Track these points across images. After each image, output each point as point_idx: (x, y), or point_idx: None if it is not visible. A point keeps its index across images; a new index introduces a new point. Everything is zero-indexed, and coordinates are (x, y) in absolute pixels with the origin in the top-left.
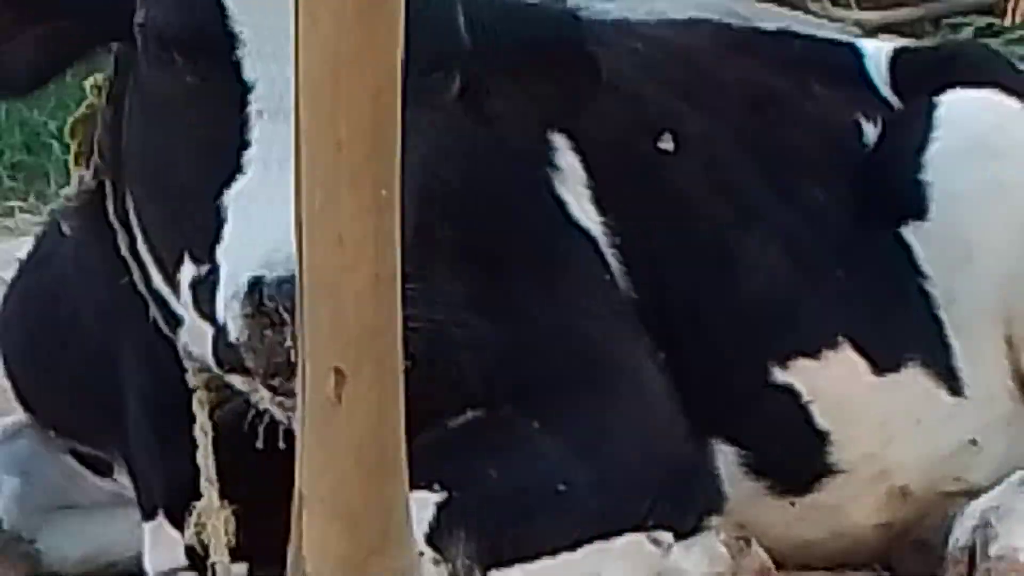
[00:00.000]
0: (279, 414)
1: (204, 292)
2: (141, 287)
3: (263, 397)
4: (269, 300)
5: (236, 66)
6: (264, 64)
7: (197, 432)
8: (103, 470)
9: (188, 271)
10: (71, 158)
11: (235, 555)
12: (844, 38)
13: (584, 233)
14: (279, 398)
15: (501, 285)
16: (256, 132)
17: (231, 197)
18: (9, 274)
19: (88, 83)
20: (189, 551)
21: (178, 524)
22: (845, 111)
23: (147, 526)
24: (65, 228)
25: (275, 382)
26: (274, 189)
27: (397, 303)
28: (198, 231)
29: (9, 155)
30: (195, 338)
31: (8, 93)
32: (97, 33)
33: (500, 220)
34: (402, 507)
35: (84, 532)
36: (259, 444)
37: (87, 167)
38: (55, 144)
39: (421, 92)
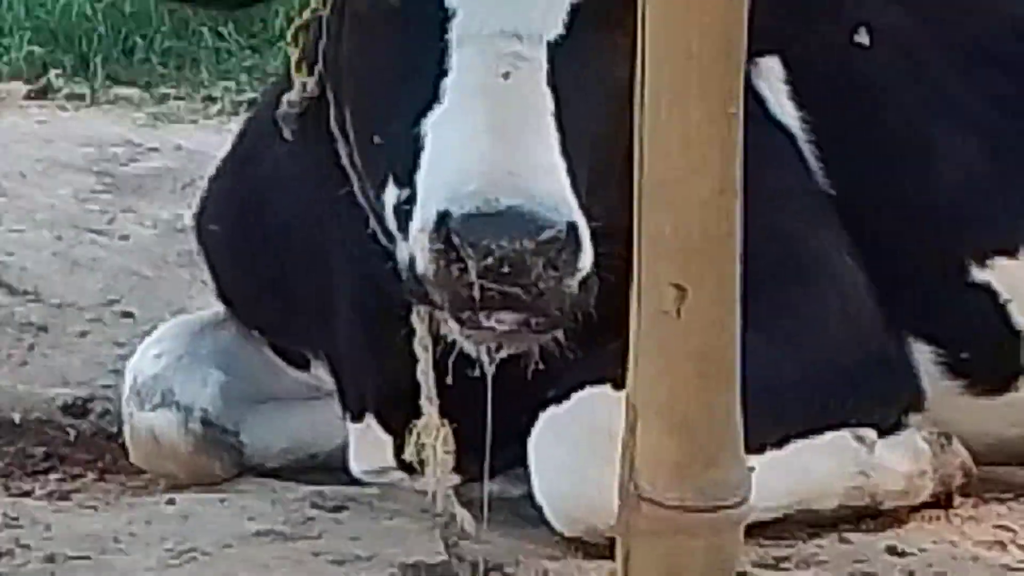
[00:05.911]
0: (468, 346)
1: (404, 217)
2: (361, 199)
3: (452, 329)
4: (455, 236)
5: None
6: None
7: (417, 347)
8: (300, 363)
9: (391, 194)
10: (292, 64)
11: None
12: None
13: (783, 129)
14: (467, 331)
15: None
16: (455, 60)
17: (428, 125)
18: (172, 163)
19: None
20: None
21: (389, 429)
22: None
23: (353, 427)
24: (286, 133)
25: (463, 315)
26: (469, 119)
27: (739, 214)
28: (400, 155)
29: (160, 41)
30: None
31: (223, 8)
32: None
33: None
34: (737, 418)
35: (286, 424)
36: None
37: (310, 74)
38: (205, 31)
39: None
